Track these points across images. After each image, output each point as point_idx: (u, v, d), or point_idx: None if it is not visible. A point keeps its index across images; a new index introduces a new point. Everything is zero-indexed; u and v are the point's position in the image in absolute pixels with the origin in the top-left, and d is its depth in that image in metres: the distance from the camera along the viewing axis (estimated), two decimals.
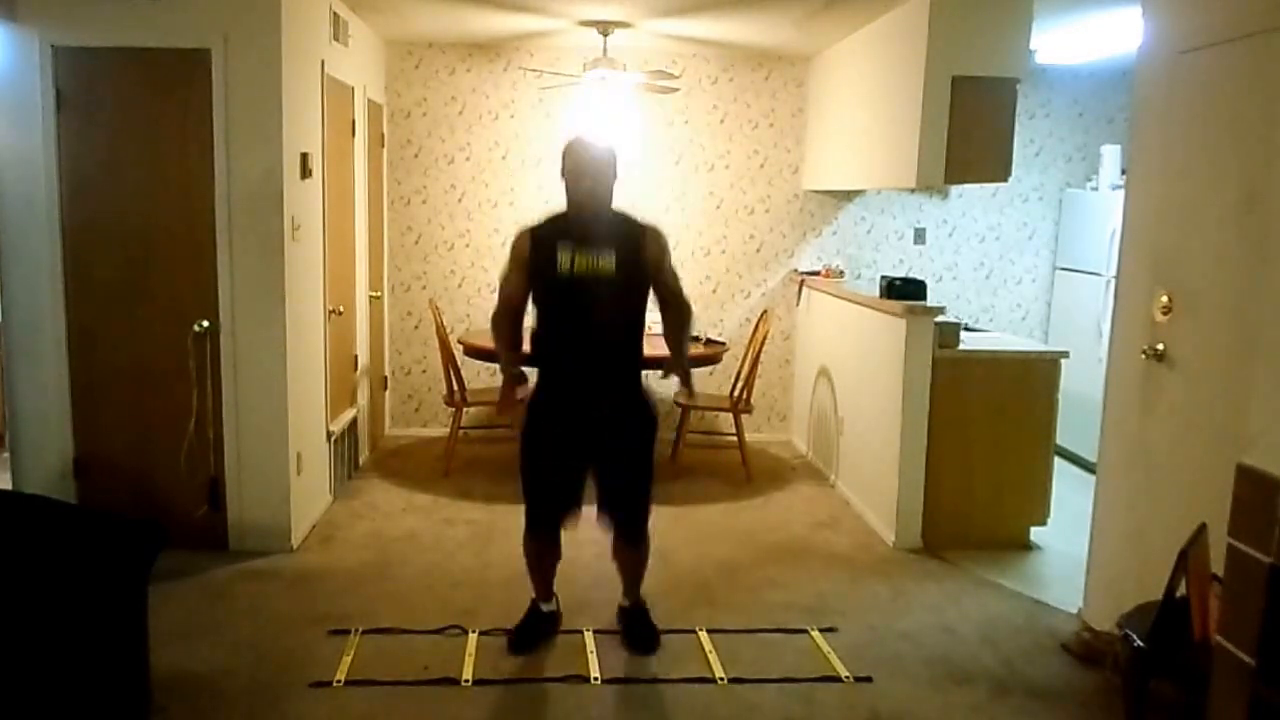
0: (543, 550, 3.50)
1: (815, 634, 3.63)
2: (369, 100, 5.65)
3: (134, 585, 2.80)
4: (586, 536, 3.59)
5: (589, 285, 3.18)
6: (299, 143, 4.30)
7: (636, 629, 3.53)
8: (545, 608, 3.56)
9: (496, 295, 3.41)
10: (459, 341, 5.62)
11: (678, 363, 3.33)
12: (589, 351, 3.29)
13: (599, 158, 3.19)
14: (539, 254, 3.23)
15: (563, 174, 3.21)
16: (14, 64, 4.01)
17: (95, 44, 4.02)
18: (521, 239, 3.29)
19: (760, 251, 6.53)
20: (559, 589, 3.61)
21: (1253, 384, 2.85)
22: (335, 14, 4.86)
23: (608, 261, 3.17)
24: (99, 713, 2.67)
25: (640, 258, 3.24)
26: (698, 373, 6.26)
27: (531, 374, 3.40)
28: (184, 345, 4.16)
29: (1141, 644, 2.57)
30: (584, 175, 3.16)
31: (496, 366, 3.67)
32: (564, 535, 3.47)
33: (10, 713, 2.42)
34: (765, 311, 5.94)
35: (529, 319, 3.41)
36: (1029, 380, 4.60)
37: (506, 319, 3.36)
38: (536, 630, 3.51)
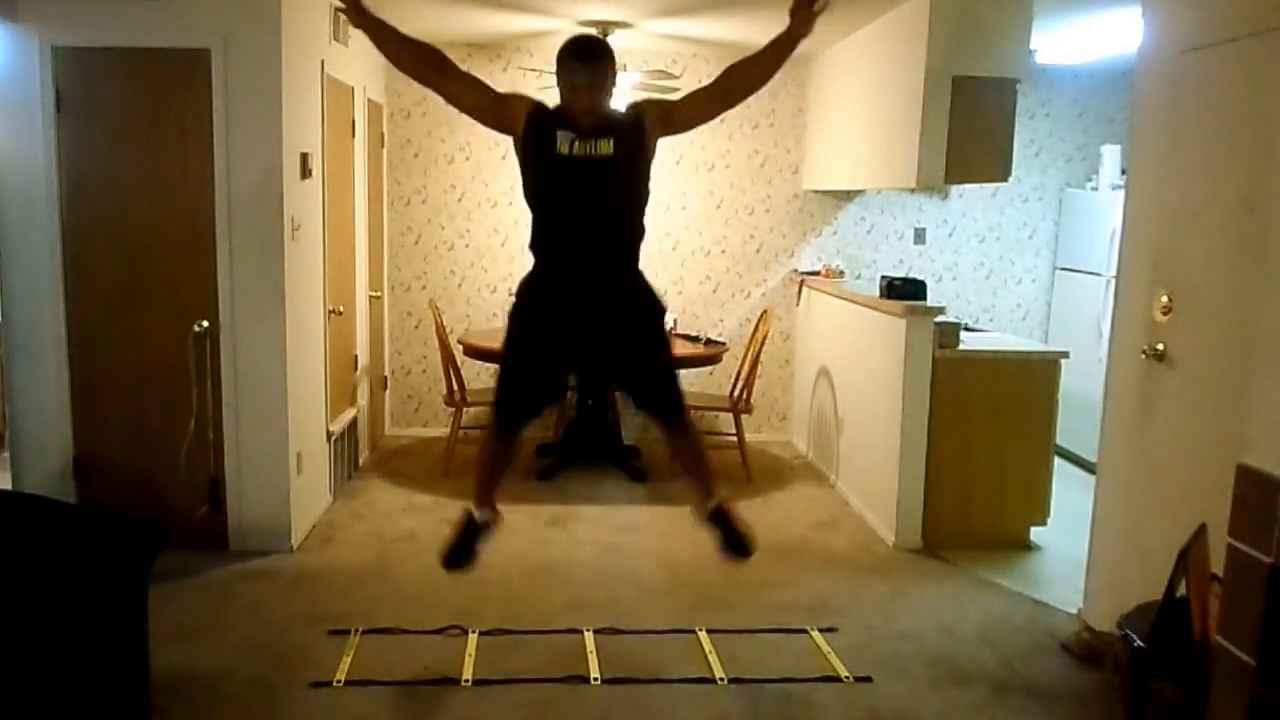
0: (501, 448, 3.32)
1: (815, 634, 3.62)
2: (369, 100, 5.65)
3: (134, 585, 2.80)
4: (586, 536, 3.59)
5: (588, 168, 3.05)
6: (299, 143, 4.30)
7: (729, 533, 3.29)
8: (480, 517, 3.33)
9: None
10: (459, 341, 5.62)
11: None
12: (589, 236, 3.14)
13: (601, 47, 3.12)
14: (537, 130, 3.12)
15: (559, 63, 3.10)
16: (14, 64, 4.01)
17: (95, 44, 4.02)
18: (523, 100, 3.18)
19: (760, 251, 6.53)
20: (558, 585, 3.59)
21: (1253, 384, 2.84)
22: (335, 14, 4.86)
23: (606, 144, 3.06)
24: (98, 713, 2.67)
25: (641, 132, 3.11)
26: (698, 372, 6.38)
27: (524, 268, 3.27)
28: (184, 345, 4.16)
29: (1141, 644, 2.57)
30: (586, 60, 3.04)
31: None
32: (561, 533, 3.45)
33: (10, 713, 2.42)
34: (765, 311, 5.94)
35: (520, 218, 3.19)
36: (1029, 380, 4.60)
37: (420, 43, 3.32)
38: (471, 543, 3.33)
